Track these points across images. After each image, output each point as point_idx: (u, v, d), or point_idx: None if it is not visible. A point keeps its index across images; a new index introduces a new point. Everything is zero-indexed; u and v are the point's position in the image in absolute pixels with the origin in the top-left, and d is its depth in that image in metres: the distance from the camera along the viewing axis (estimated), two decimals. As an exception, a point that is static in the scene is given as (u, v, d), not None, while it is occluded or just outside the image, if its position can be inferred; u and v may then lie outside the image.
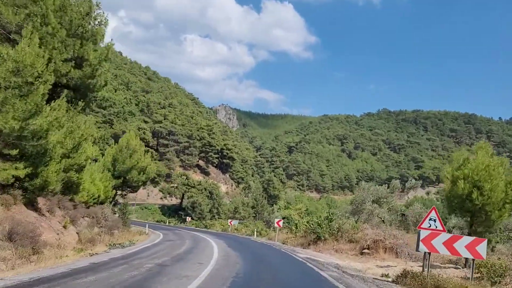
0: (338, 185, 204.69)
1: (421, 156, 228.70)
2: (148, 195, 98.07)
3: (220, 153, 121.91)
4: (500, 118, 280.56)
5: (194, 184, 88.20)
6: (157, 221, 65.33)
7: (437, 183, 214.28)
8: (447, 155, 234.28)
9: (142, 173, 30.78)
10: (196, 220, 65.18)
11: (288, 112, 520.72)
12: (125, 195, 31.27)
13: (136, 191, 36.38)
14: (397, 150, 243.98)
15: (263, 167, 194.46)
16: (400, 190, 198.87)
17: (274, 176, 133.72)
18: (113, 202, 27.29)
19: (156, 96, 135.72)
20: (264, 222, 64.68)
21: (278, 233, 33.16)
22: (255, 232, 36.65)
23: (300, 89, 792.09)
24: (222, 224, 45.22)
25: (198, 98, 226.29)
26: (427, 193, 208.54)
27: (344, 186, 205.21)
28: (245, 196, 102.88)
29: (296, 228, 27.87)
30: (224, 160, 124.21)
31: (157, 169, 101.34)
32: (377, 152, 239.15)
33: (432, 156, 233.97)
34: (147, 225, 33.02)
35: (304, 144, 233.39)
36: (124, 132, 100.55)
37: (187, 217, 60.79)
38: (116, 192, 27.96)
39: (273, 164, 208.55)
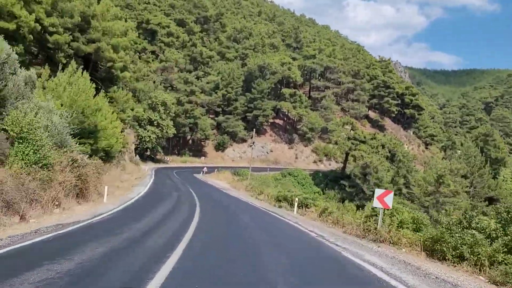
0: None
1: None
2: (297, 157, 68.03)
3: (400, 99, 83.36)
4: None
5: (364, 138, 54.84)
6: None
7: None
8: None
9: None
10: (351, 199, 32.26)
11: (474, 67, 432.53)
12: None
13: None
14: None
15: (455, 127, 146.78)
16: None
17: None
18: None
19: (308, 35, 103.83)
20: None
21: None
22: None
23: (485, 46, 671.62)
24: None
25: (364, 47, 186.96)
26: None
27: None
28: (445, 159, 65.74)
29: None
30: (406, 111, 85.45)
31: (309, 120, 70.64)
32: None
33: None
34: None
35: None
36: (262, 67, 72.44)
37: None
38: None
39: (465, 124, 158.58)
